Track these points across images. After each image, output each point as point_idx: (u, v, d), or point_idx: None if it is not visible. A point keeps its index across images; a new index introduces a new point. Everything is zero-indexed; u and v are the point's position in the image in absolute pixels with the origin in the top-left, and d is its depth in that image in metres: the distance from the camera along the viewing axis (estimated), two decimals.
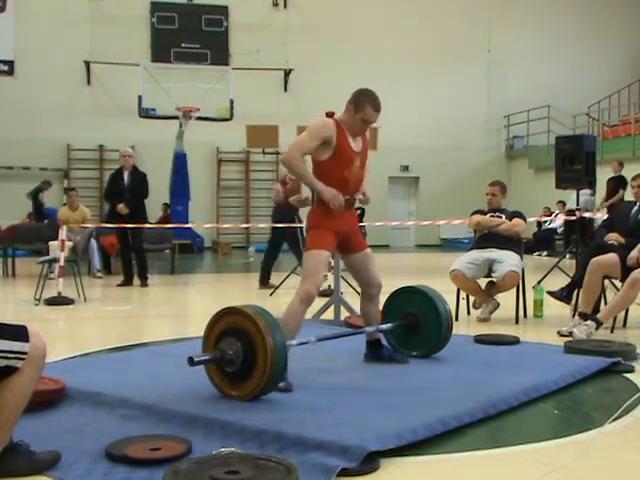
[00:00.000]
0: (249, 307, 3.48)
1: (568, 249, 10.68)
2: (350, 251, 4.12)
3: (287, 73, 18.12)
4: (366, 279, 4.17)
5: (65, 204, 11.33)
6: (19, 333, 2.53)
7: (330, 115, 4.06)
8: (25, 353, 2.50)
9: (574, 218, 12.91)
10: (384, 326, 4.34)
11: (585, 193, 13.74)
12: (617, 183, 12.96)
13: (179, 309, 7.83)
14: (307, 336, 3.93)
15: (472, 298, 6.43)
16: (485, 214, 6.53)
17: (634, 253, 5.41)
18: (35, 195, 15.16)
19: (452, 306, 6.31)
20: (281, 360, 3.34)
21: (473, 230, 6.69)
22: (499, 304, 6.22)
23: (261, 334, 3.31)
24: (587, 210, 13.72)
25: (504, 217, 6.41)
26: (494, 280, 6.20)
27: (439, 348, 4.41)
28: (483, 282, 6.32)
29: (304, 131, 3.93)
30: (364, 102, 3.91)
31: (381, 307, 4.47)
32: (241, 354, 3.36)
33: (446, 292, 4.61)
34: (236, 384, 3.41)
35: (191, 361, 3.35)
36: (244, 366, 3.36)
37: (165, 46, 17.56)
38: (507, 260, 6.06)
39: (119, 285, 9.12)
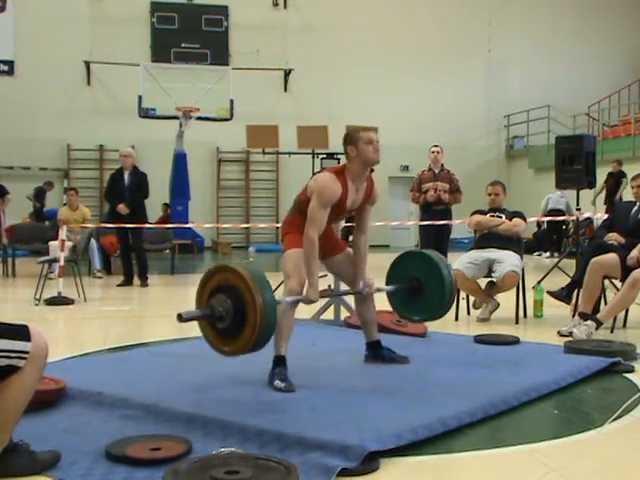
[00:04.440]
0: (240, 265, 3.49)
1: (568, 249, 10.70)
2: (329, 254, 4.09)
3: (287, 73, 18.11)
4: (353, 276, 4.16)
5: (65, 204, 11.33)
6: (21, 332, 2.53)
7: (339, 169, 3.95)
8: (27, 352, 2.50)
9: (551, 218, 13.04)
10: (387, 287, 4.31)
11: (555, 194, 13.82)
12: (618, 177, 13.00)
13: (179, 309, 7.77)
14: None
15: (472, 298, 6.43)
16: (485, 214, 6.53)
17: (634, 253, 5.42)
18: (39, 197, 15.19)
19: (452, 306, 6.33)
20: (271, 315, 3.32)
21: (473, 230, 6.70)
22: (499, 304, 6.22)
23: (250, 291, 3.30)
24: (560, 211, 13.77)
25: (504, 217, 6.42)
26: (494, 280, 6.20)
27: (442, 313, 4.34)
28: (483, 282, 6.32)
29: (315, 195, 3.81)
30: (355, 133, 3.93)
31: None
32: (231, 311, 3.36)
33: None
34: (228, 340, 3.42)
35: (180, 317, 3.36)
36: (235, 322, 3.35)
37: (165, 46, 17.55)
38: (507, 260, 6.06)
39: (119, 285, 9.12)
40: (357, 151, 3.87)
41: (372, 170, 4.06)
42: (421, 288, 4.27)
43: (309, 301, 3.83)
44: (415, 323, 4.35)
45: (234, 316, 3.34)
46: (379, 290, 4.24)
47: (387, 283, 4.35)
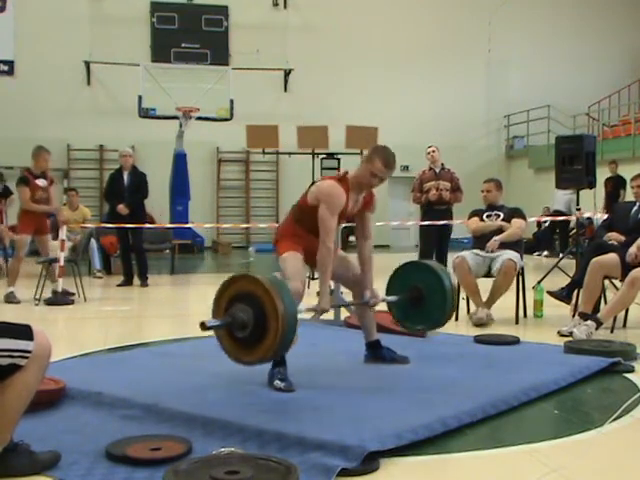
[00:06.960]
0: (257, 274, 3.47)
1: (568, 249, 10.68)
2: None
3: (287, 73, 18.10)
4: (352, 279, 4.18)
5: (65, 204, 11.33)
6: (23, 332, 2.55)
7: (341, 177, 3.99)
8: (29, 351, 2.51)
9: (562, 219, 13.00)
10: (389, 298, 4.34)
11: (566, 193, 13.75)
12: (616, 184, 12.95)
13: (179, 309, 7.83)
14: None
15: (472, 303, 6.40)
16: (483, 212, 6.54)
17: (632, 249, 5.41)
18: None
19: (453, 314, 6.31)
20: (292, 323, 3.29)
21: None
22: (493, 319, 6.14)
23: (271, 299, 3.27)
24: (563, 212, 13.68)
25: (502, 215, 6.42)
26: (493, 275, 6.20)
27: (443, 322, 4.37)
28: (483, 284, 6.29)
29: (323, 204, 3.83)
30: (375, 156, 3.94)
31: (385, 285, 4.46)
32: (252, 319, 3.33)
33: None
34: (248, 349, 3.38)
35: (203, 325, 3.30)
36: (255, 331, 3.33)
37: (165, 46, 17.54)
38: (505, 254, 6.09)
39: (119, 285, 9.12)
40: (367, 172, 3.92)
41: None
42: (422, 297, 4.32)
43: (322, 310, 3.84)
44: (417, 332, 4.40)
45: (255, 324, 3.32)
46: (385, 300, 4.29)
47: (388, 292, 4.39)
